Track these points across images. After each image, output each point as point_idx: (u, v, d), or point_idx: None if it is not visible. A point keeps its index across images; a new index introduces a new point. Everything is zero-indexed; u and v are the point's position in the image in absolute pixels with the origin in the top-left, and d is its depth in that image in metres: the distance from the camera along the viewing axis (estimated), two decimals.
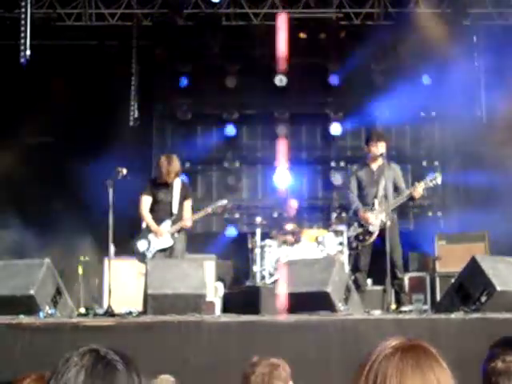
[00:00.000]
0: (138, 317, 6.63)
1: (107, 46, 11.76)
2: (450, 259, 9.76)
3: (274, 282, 9.20)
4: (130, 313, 6.84)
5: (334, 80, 12.38)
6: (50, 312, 6.61)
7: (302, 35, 11.87)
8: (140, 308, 7.03)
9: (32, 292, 6.58)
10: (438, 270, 10.22)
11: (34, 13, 10.48)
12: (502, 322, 6.03)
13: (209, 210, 8.61)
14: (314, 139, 13.06)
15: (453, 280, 7.43)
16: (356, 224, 8.36)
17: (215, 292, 9.42)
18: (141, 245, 8.36)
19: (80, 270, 9.76)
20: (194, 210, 8.57)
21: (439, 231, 11.45)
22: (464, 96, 11.16)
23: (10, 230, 10.64)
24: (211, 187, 12.85)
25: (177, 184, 8.45)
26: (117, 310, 7.01)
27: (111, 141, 10.69)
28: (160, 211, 8.40)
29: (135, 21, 11.66)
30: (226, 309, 9.10)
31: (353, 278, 7.95)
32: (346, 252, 9.04)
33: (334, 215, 10.35)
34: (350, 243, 8.63)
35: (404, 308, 7.73)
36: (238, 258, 10.93)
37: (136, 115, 11.70)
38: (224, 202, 8.85)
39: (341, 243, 9.36)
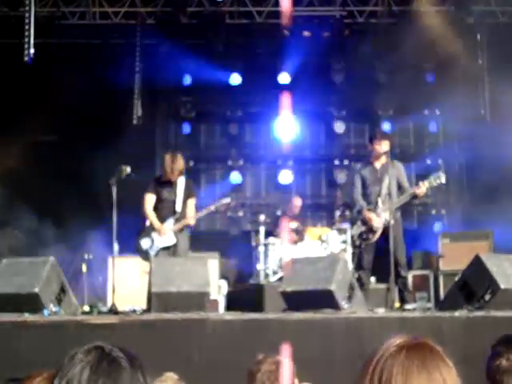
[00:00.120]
0: (142, 315, 6.64)
1: (111, 45, 11.77)
2: (454, 257, 9.75)
3: (278, 280, 9.21)
4: (134, 311, 6.86)
5: (337, 78, 12.38)
6: (54, 310, 6.63)
7: (306, 33, 11.87)
8: (144, 306, 7.04)
9: (36, 290, 6.59)
10: (441, 268, 10.22)
11: (38, 11, 10.51)
12: (505, 320, 6.03)
13: (212, 208, 8.62)
14: (317, 137, 13.06)
15: (456, 278, 7.42)
16: (359, 222, 8.36)
17: (219, 290, 9.42)
18: (144, 243, 8.37)
19: (84, 268, 9.78)
20: (198, 208, 8.57)
21: (443, 229, 11.45)
22: (468, 94, 11.15)
23: (13, 229, 10.66)
24: (215, 185, 12.86)
25: (181, 182, 8.45)
26: (121, 307, 7.03)
27: (115, 139, 10.70)
28: (164, 209, 8.41)
29: (139, 19, 11.67)
30: (229, 307, 9.10)
31: (356, 276, 7.95)
32: (350, 250, 9.03)
33: (337, 213, 10.35)
34: (353, 241, 8.64)
35: (408, 306, 7.74)
36: (241, 256, 10.93)
37: (139, 113, 11.70)
38: (227, 200, 8.85)
39: (344, 241, 9.35)
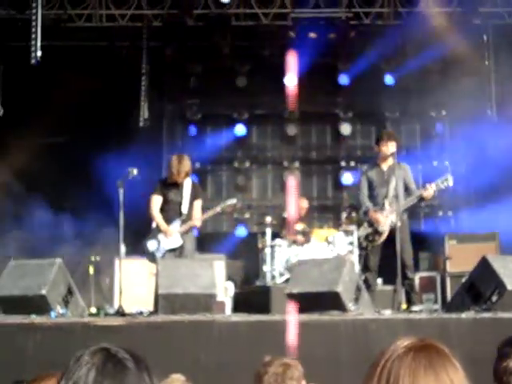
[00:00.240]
0: (149, 316, 6.65)
1: (117, 47, 11.79)
2: (461, 259, 9.73)
3: (284, 282, 9.21)
4: (141, 312, 6.87)
5: (343, 80, 12.39)
6: (61, 312, 6.65)
7: (312, 35, 11.86)
8: (151, 308, 7.05)
9: (44, 292, 6.61)
10: (448, 270, 10.20)
11: (45, 14, 10.52)
12: None
13: (218, 209, 8.63)
14: (323, 139, 13.05)
15: (463, 280, 7.41)
16: (366, 224, 8.35)
17: (225, 292, 9.43)
18: (151, 245, 8.38)
19: (91, 270, 9.80)
20: (204, 209, 8.58)
21: (450, 231, 11.42)
22: (474, 95, 11.12)
23: (21, 231, 10.69)
24: (221, 187, 12.87)
25: (187, 184, 8.46)
26: (127, 309, 7.04)
27: (122, 142, 10.72)
28: (170, 211, 8.42)
29: (145, 21, 11.68)
30: (236, 308, 9.11)
31: (363, 277, 7.94)
32: (356, 252, 9.02)
33: (343, 215, 10.34)
34: (360, 243, 8.63)
35: (414, 308, 7.72)
36: (248, 257, 10.94)
37: (146, 116, 11.72)
38: (233, 201, 8.86)
39: (351, 243, 9.34)
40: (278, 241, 9.84)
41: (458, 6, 11.31)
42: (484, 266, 6.81)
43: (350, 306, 6.59)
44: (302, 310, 6.73)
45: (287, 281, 9.01)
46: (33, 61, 9.86)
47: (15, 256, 8.30)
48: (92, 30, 11.63)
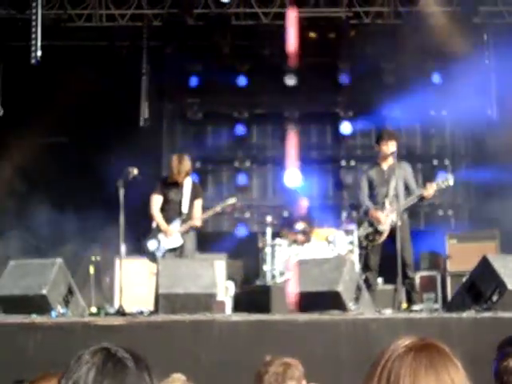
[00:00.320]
0: (149, 316, 6.66)
1: (117, 47, 11.78)
2: (461, 258, 9.73)
3: (285, 282, 9.20)
4: (142, 312, 6.87)
5: (344, 79, 12.37)
6: (61, 311, 6.65)
7: (312, 34, 11.86)
8: (151, 307, 7.05)
9: (44, 292, 6.61)
10: (448, 269, 10.20)
11: (45, 14, 10.52)
12: None
13: (218, 208, 8.63)
14: (324, 138, 13.06)
15: (464, 279, 7.41)
16: (366, 223, 8.35)
17: (226, 291, 9.43)
18: (151, 244, 8.38)
19: (91, 270, 9.80)
20: (204, 209, 8.58)
21: (450, 230, 11.43)
22: (474, 94, 11.12)
23: (22, 230, 10.70)
24: (221, 187, 12.87)
25: (187, 183, 8.46)
26: (128, 309, 7.04)
27: (122, 141, 10.72)
28: (170, 211, 8.42)
29: (145, 21, 11.68)
30: (236, 308, 9.11)
31: (363, 277, 7.94)
32: (357, 251, 9.03)
33: (344, 214, 10.34)
34: (360, 242, 8.63)
35: (415, 307, 7.72)
36: (248, 257, 10.93)
37: (146, 115, 11.71)
38: (233, 200, 8.85)
39: (351, 242, 9.35)
40: (278, 240, 9.85)
41: (458, 5, 11.31)
42: (484, 265, 6.81)
43: (351, 305, 6.59)
44: (302, 310, 6.74)
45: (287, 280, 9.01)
46: (33, 61, 9.87)
47: (16, 256, 8.30)
48: (92, 29, 11.63)
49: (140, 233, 8.60)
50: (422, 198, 8.24)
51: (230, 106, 12.69)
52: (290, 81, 12.00)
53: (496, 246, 9.98)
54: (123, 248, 7.76)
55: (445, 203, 12.63)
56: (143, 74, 11.76)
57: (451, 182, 8.20)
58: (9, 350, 5.86)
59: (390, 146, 8.24)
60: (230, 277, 9.99)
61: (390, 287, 8.92)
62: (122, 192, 7.56)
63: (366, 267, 8.34)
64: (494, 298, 6.53)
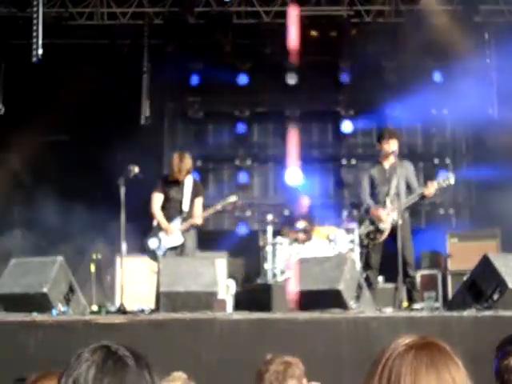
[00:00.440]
0: (150, 314, 6.66)
1: (119, 45, 11.78)
2: (462, 257, 9.74)
3: (286, 280, 9.21)
4: (143, 310, 6.88)
5: (345, 78, 12.36)
6: (62, 310, 6.65)
7: (313, 33, 11.86)
8: (152, 305, 7.06)
9: (45, 290, 6.61)
10: (449, 268, 10.20)
11: (46, 12, 10.51)
12: None
13: (218, 206, 8.63)
14: (325, 137, 13.05)
15: (465, 278, 7.41)
16: (367, 222, 8.35)
17: (227, 290, 9.43)
18: (152, 243, 8.38)
19: (92, 268, 9.80)
20: (205, 207, 8.58)
21: (451, 229, 11.42)
22: (475, 93, 11.11)
23: (22, 229, 10.70)
24: (222, 185, 12.87)
25: (188, 182, 8.46)
26: (129, 307, 7.05)
27: (123, 139, 10.72)
28: (171, 209, 8.42)
29: (146, 19, 11.68)
30: (237, 306, 9.11)
31: (364, 275, 7.95)
32: (358, 250, 9.03)
33: (345, 213, 10.34)
34: (361, 241, 8.62)
35: (416, 306, 7.73)
36: (249, 255, 10.93)
37: (147, 114, 11.71)
38: (234, 198, 8.85)
39: (352, 241, 9.34)
40: (279, 239, 9.84)
41: (458, 3, 11.30)
42: (485, 264, 6.81)
43: (352, 303, 6.59)
44: (303, 308, 6.74)
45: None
46: (34, 59, 9.86)
47: (17, 254, 8.30)
48: (93, 28, 11.63)
49: (141, 231, 8.60)
50: (423, 197, 8.25)
51: (231, 104, 12.69)
52: (291, 79, 11.99)
53: (497, 244, 9.98)
54: (124, 246, 7.76)
55: (446, 202, 12.63)
56: (144, 72, 11.76)
57: (452, 181, 8.21)
58: (10, 348, 5.87)
59: (392, 145, 8.25)
60: (230, 275, 9.99)
61: (390, 286, 8.92)
62: (122, 190, 7.57)
63: (366, 266, 8.34)
64: (495, 296, 6.53)
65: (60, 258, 7.03)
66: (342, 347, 6.00)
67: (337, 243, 9.51)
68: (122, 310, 6.91)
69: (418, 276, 9.55)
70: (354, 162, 12.75)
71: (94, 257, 10.05)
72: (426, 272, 10.38)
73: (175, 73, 12.27)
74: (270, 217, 10.26)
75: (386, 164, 8.36)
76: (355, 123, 12.64)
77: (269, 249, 9.76)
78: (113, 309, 7.41)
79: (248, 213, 12.69)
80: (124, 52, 11.75)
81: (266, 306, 8.17)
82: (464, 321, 6.22)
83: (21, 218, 10.93)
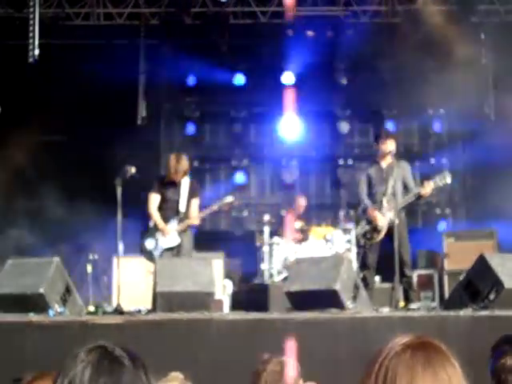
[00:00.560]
0: (147, 315, 6.66)
1: (115, 45, 11.78)
2: (459, 257, 9.75)
3: (283, 280, 9.21)
4: (139, 311, 6.88)
5: (341, 78, 12.37)
6: (59, 310, 6.65)
7: (310, 33, 11.86)
8: (149, 306, 7.06)
9: (42, 290, 6.61)
10: (446, 268, 10.21)
11: (43, 12, 10.51)
12: (510, 320, 6.02)
13: (215, 207, 8.63)
14: (321, 137, 13.05)
15: (461, 277, 7.42)
16: (364, 222, 8.37)
17: (224, 290, 9.43)
18: (148, 243, 8.38)
19: (89, 269, 9.80)
20: (201, 208, 8.58)
21: (447, 229, 11.44)
22: (472, 93, 11.13)
23: (19, 230, 10.69)
24: (219, 185, 12.86)
25: (185, 183, 8.46)
26: (126, 307, 7.05)
27: (119, 140, 10.71)
28: (167, 210, 8.42)
29: (143, 20, 11.68)
30: (234, 307, 9.11)
31: (361, 275, 7.95)
32: (354, 250, 9.03)
33: (342, 213, 10.34)
34: (358, 241, 8.64)
35: (412, 305, 7.74)
36: (246, 255, 10.93)
37: (144, 114, 11.71)
38: (230, 199, 8.85)
39: (349, 241, 9.35)
40: (276, 239, 9.85)
41: (455, 3, 11.32)
42: (482, 263, 6.82)
43: (348, 303, 6.59)
44: (300, 308, 6.74)
45: (285, 279, 9.02)
46: (30, 59, 9.86)
47: (13, 255, 8.29)
48: (89, 28, 11.63)
49: (138, 231, 8.60)
50: (419, 197, 8.26)
51: (228, 104, 12.69)
52: (288, 79, 11.99)
53: (493, 244, 9.99)
54: (121, 246, 7.76)
55: (442, 202, 12.64)
56: (140, 72, 11.76)
57: (449, 180, 8.22)
58: (6, 348, 5.86)
59: (389, 145, 8.26)
60: (227, 275, 9.99)
61: (387, 285, 8.93)
62: (119, 190, 7.56)
63: (363, 265, 8.35)
64: (491, 296, 6.54)
65: (56, 259, 7.03)
66: (338, 347, 6.00)
67: (333, 243, 9.51)
68: (118, 311, 6.90)
69: (415, 276, 9.57)
70: (350, 162, 12.76)
71: (91, 257, 10.04)
72: (422, 272, 10.39)
73: (172, 73, 12.27)
74: (266, 217, 10.27)
75: (384, 164, 8.38)
76: (352, 123, 12.65)
77: (266, 249, 9.77)
78: (109, 309, 7.41)
79: (245, 213, 12.69)
80: (120, 52, 11.74)
81: (262, 306, 8.18)
82: (460, 320, 6.23)
83: (16, 219, 10.90)
